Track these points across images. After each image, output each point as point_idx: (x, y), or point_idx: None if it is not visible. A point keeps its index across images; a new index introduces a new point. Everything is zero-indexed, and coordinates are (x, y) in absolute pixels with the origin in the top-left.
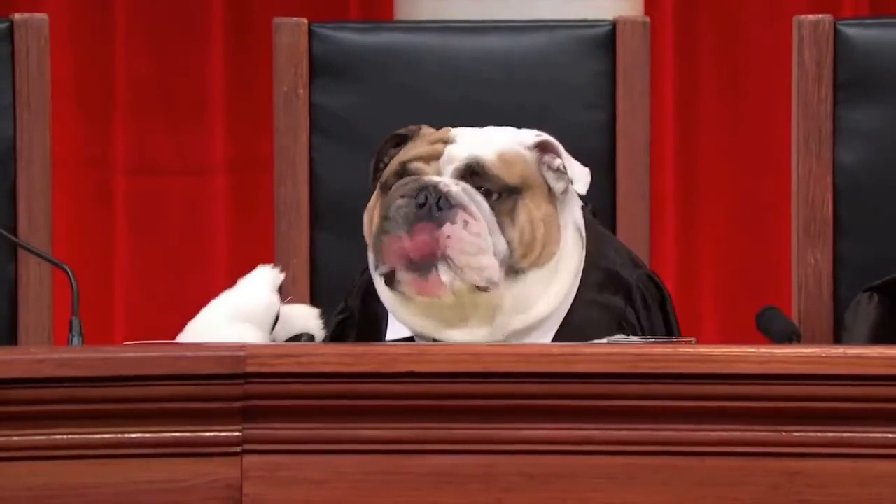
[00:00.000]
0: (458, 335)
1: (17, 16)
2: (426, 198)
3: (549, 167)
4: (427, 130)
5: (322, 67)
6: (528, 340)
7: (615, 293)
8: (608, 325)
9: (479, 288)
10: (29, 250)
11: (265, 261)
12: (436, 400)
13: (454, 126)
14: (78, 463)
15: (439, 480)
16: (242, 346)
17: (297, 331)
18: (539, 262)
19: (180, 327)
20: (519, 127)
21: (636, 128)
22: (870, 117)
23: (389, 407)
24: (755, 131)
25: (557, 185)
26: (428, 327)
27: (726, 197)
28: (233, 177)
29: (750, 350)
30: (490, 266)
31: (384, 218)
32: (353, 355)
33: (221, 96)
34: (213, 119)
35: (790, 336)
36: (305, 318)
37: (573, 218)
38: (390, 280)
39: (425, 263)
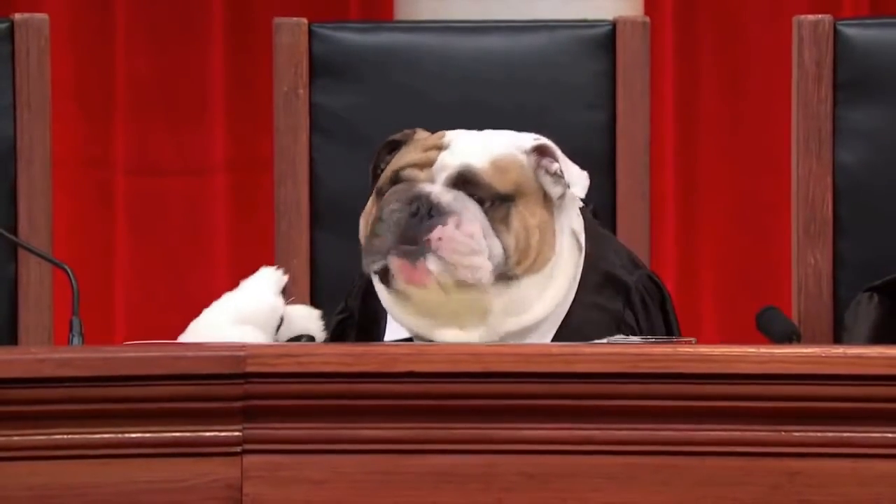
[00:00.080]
0: (451, 335)
1: (17, 16)
2: (418, 208)
3: (547, 171)
4: (422, 134)
5: (322, 67)
6: (525, 342)
7: (614, 296)
8: (607, 327)
9: (466, 284)
10: (29, 250)
11: (265, 261)
12: (436, 400)
13: (454, 126)
14: (78, 463)
15: (439, 480)
16: (242, 346)
17: (297, 332)
18: (534, 269)
19: (181, 327)
20: (519, 127)
21: (636, 128)
22: (870, 117)
23: (389, 407)
24: (755, 131)
25: (554, 190)
26: (423, 327)
27: (726, 197)
28: (233, 177)
29: (750, 350)
30: (482, 266)
31: (378, 219)
32: (353, 355)
33: (221, 96)
34: (213, 119)
35: (790, 336)
36: (306, 319)
37: (570, 222)
38: (385, 277)
39: (415, 250)
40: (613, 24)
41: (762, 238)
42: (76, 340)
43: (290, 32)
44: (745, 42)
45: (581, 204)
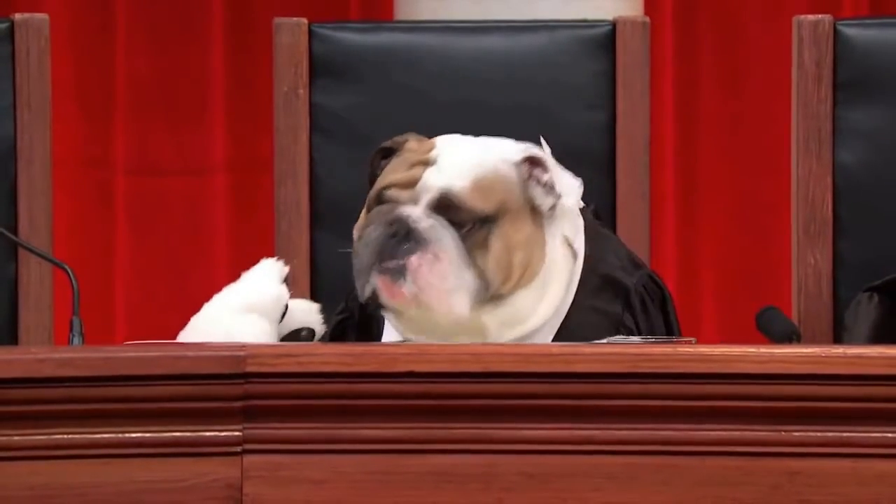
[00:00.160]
0: None
1: (17, 16)
2: (397, 231)
3: (538, 182)
4: (412, 145)
5: (322, 67)
6: None
7: (613, 298)
8: (606, 330)
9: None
10: (29, 250)
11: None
12: (436, 400)
13: (454, 126)
14: (78, 463)
15: (439, 480)
16: (242, 346)
17: (297, 325)
18: (521, 284)
19: (181, 327)
20: (519, 127)
21: (636, 128)
22: (869, 117)
23: (389, 407)
24: (755, 131)
25: (545, 202)
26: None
27: (726, 197)
28: (233, 177)
29: (750, 350)
30: (458, 305)
31: (359, 239)
32: (352, 355)
33: (221, 96)
34: (213, 119)
35: (790, 336)
36: (306, 312)
37: (562, 231)
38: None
39: (395, 269)
40: (613, 24)
41: (762, 238)
42: (76, 340)
43: (290, 32)
44: (745, 42)
45: (582, 204)
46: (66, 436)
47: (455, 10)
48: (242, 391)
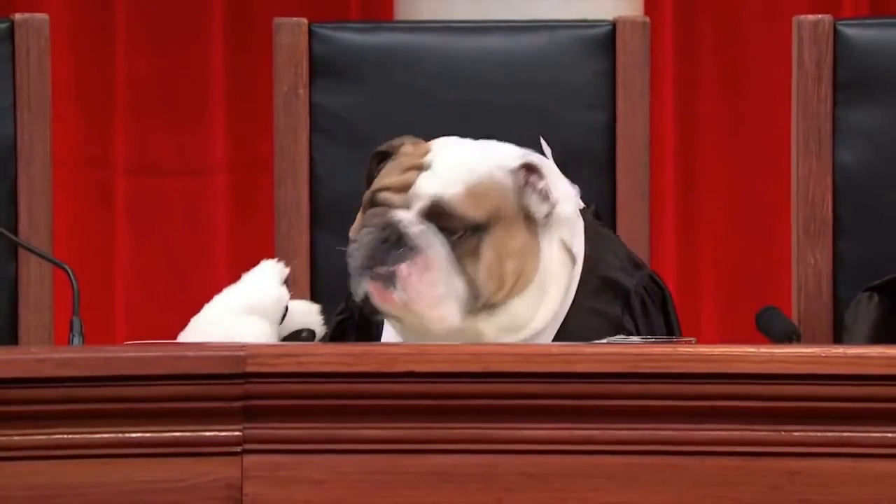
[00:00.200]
0: None
1: (17, 16)
2: (388, 235)
3: (534, 189)
4: (408, 148)
5: (322, 67)
6: None
7: (613, 300)
8: (605, 332)
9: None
10: (29, 250)
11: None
12: (436, 400)
13: (454, 126)
14: (78, 463)
15: (439, 480)
16: (242, 346)
17: (297, 326)
18: (514, 294)
19: (181, 327)
20: (519, 127)
21: (636, 128)
22: (869, 117)
23: (389, 407)
24: (755, 131)
25: (540, 209)
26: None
27: (726, 197)
28: (233, 177)
29: (750, 350)
30: (448, 314)
31: (352, 241)
32: (352, 355)
33: (221, 96)
34: (213, 119)
35: (790, 336)
36: (306, 313)
37: (559, 236)
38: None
39: (385, 275)
40: (613, 24)
41: (762, 238)
42: (76, 340)
43: (290, 32)
44: (745, 42)
45: (582, 205)
46: (66, 436)
47: (455, 10)
48: (242, 391)
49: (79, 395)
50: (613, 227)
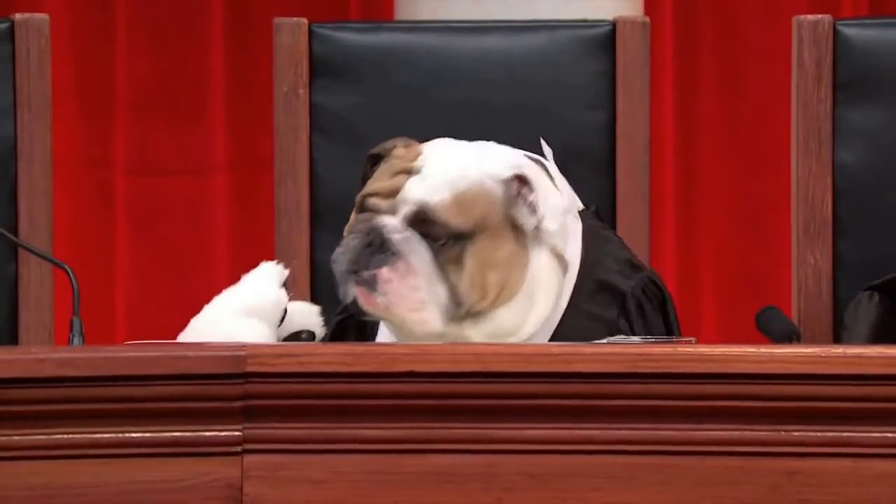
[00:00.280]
0: None
1: (17, 16)
2: (372, 241)
3: (525, 201)
4: (400, 151)
5: (322, 67)
6: None
7: (608, 303)
8: (600, 335)
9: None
10: (30, 250)
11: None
12: (436, 400)
13: (454, 126)
14: (78, 462)
15: (439, 480)
16: (242, 346)
17: (297, 327)
18: (499, 303)
19: (181, 327)
20: (519, 127)
21: (636, 128)
22: (869, 117)
23: (389, 407)
24: (755, 131)
25: (529, 221)
26: None
27: (726, 197)
28: (233, 177)
29: (750, 350)
30: (430, 319)
31: (340, 246)
32: (353, 355)
33: (221, 96)
34: (213, 119)
35: (790, 336)
36: (306, 315)
37: (551, 245)
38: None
39: (368, 280)
40: (613, 24)
41: (762, 238)
42: (76, 340)
43: (290, 32)
44: (745, 42)
45: (581, 206)
46: (66, 436)
47: (455, 10)
48: (242, 391)
49: (79, 395)
50: (613, 227)
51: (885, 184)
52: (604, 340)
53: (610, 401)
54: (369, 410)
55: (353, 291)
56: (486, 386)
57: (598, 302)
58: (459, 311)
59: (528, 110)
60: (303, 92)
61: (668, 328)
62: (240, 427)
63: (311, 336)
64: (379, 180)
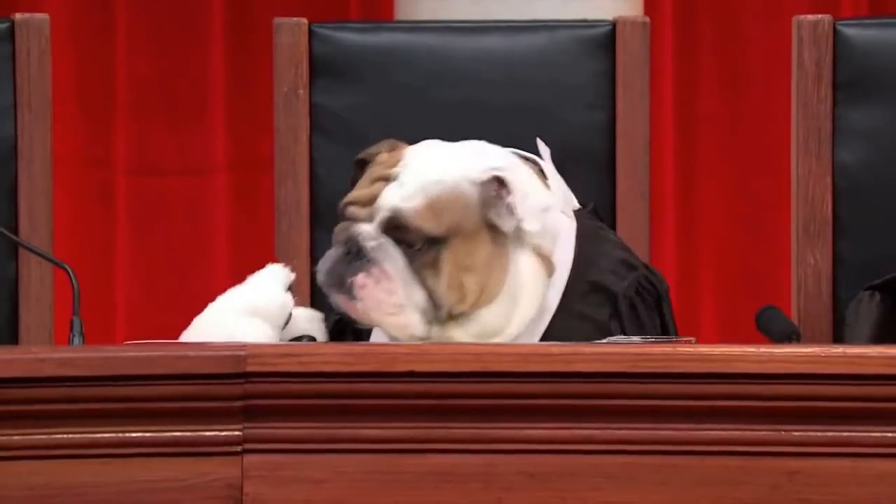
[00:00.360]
0: None
1: (17, 16)
2: (349, 249)
3: (503, 202)
4: (383, 157)
5: (322, 67)
6: None
7: (601, 304)
8: (591, 336)
9: None
10: (30, 250)
11: (266, 261)
12: (436, 399)
13: (453, 126)
14: (78, 462)
15: (439, 480)
16: (243, 346)
17: (299, 332)
18: (481, 304)
19: (181, 327)
20: (519, 127)
21: (636, 128)
22: (869, 117)
23: (389, 406)
24: (755, 131)
25: (508, 222)
26: None
27: (726, 197)
28: (233, 177)
29: (750, 350)
30: (409, 322)
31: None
32: (353, 355)
33: (221, 96)
34: (214, 119)
35: (790, 336)
36: (309, 321)
37: (533, 245)
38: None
39: (347, 288)
40: (613, 24)
41: (762, 238)
42: (77, 340)
43: (290, 32)
44: (745, 42)
45: (578, 206)
46: (66, 436)
47: (455, 10)
48: (243, 391)
49: (79, 395)
50: (613, 227)
51: (885, 184)
52: (604, 340)
53: (610, 401)
54: (369, 410)
55: (335, 300)
56: (486, 386)
57: (591, 302)
58: (440, 313)
59: (528, 110)
60: (303, 92)
61: (664, 328)
62: (240, 427)
63: (312, 341)
64: (359, 188)
